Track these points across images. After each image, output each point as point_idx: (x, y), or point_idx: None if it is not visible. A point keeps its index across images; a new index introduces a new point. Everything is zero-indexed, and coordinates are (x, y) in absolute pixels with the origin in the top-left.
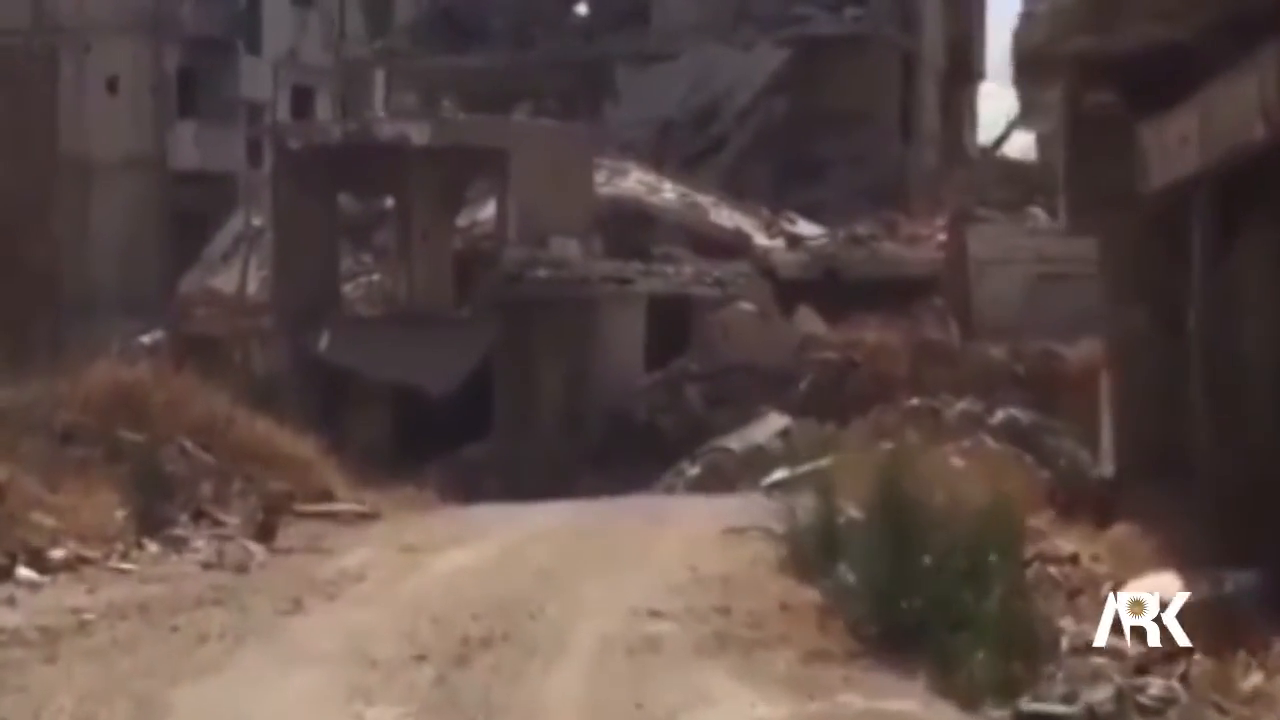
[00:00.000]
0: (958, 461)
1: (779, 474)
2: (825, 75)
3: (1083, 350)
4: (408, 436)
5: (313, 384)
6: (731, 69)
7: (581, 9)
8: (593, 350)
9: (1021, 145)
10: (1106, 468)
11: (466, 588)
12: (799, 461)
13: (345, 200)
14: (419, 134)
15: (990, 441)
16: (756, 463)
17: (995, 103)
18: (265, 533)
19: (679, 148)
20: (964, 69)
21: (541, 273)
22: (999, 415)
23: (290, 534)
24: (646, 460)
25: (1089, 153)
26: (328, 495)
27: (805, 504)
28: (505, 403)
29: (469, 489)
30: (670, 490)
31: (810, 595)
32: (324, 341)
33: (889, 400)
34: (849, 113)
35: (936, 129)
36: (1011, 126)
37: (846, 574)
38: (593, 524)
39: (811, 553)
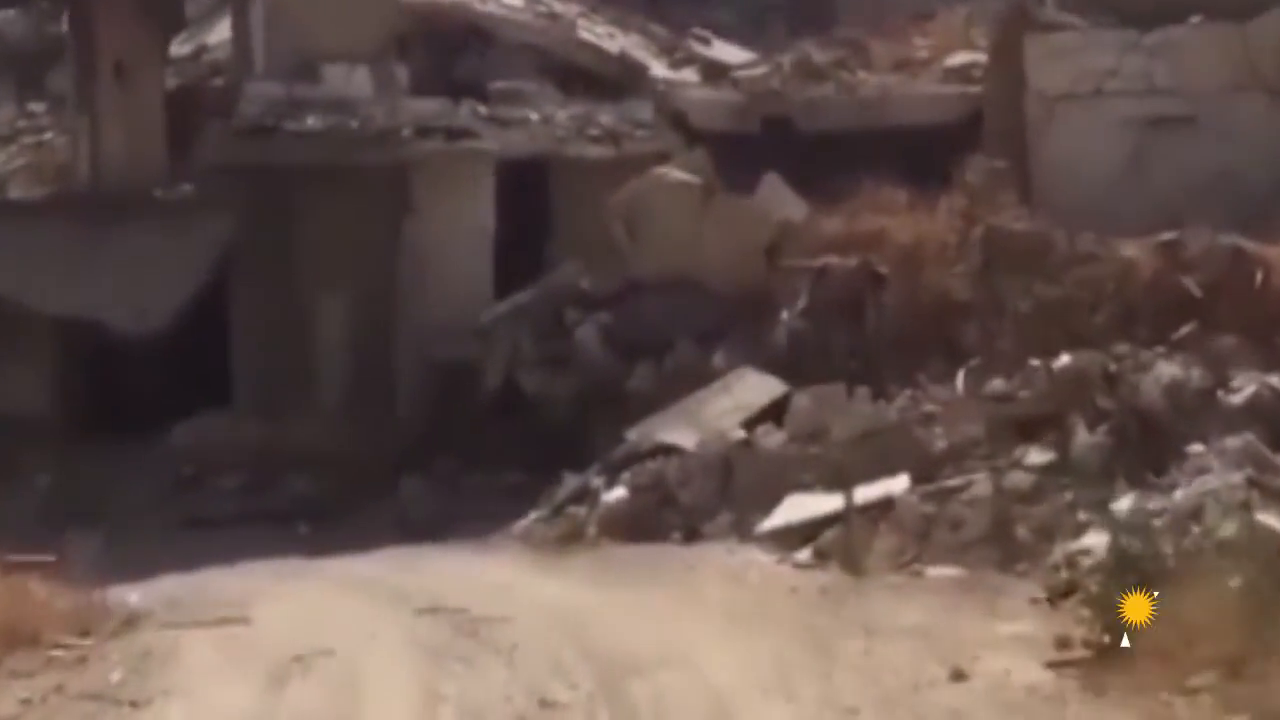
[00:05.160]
0: None
1: (800, 505)
2: None
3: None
4: (86, 405)
5: None
6: None
7: None
8: (405, 254)
9: None
10: None
11: None
12: (847, 476)
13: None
14: None
15: None
16: (741, 476)
17: None
18: None
19: None
20: None
21: (311, 120)
22: (1243, 388)
23: None
24: (507, 455)
25: None
26: None
27: None
28: (252, 349)
29: (184, 505)
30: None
31: None
32: None
33: (955, 346)
34: None
35: None
36: None
37: None
38: None
39: None
